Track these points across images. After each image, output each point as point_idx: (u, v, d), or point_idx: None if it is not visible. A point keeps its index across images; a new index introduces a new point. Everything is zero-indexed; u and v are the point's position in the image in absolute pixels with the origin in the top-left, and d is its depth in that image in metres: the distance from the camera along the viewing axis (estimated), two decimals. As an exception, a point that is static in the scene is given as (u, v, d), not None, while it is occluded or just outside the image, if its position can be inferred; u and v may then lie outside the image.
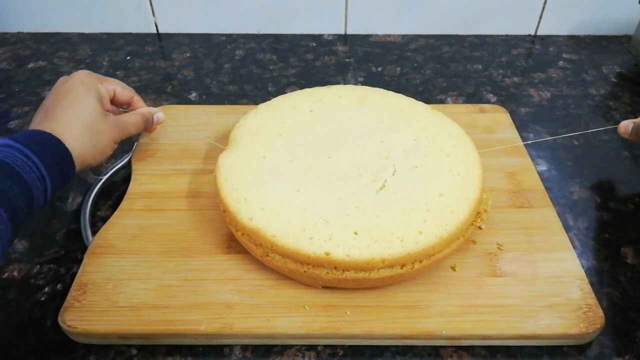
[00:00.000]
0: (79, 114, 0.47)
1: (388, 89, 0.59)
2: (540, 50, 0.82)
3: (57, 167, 0.43)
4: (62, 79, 0.50)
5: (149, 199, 0.53)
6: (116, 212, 0.51)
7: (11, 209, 0.38)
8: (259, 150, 0.50)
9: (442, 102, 0.71)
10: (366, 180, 0.47)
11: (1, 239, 0.37)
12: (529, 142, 0.61)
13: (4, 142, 0.41)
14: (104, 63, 0.80)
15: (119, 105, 0.55)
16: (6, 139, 0.41)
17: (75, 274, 0.46)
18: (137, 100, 0.56)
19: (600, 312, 0.42)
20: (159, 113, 0.57)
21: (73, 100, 0.47)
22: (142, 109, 0.56)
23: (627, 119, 0.63)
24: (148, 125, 0.56)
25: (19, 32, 0.87)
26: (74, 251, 0.50)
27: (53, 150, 0.43)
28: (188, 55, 0.81)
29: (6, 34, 0.87)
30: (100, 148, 0.48)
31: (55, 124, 0.45)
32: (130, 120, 0.53)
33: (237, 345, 0.42)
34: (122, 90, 0.54)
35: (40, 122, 0.46)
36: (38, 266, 0.49)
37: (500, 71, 0.77)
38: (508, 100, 0.71)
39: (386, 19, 0.85)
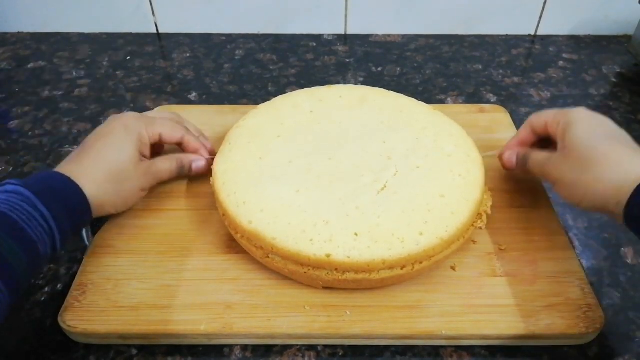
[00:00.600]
0: (109, 159, 0.45)
1: (388, 89, 0.59)
2: (540, 50, 0.82)
3: (67, 215, 0.40)
4: (112, 116, 0.48)
5: (149, 199, 0.53)
6: (116, 212, 0.51)
7: (11, 274, 0.35)
8: (255, 151, 0.50)
9: (442, 102, 0.71)
10: (367, 181, 0.47)
11: None
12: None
13: (14, 189, 0.39)
14: (104, 63, 0.80)
15: (162, 145, 0.53)
16: (17, 185, 0.39)
17: (75, 274, 0.46)
18: (189, 140, 0.52)
19: (600, 312, 0.42)
20: (200, 162, 0.52)
21: (109, 144, 0.45)
22: (181, 155, 0.52)
23: (627, 119, 0.62)
24: (183, 172, 0.52)
25: (19, 32, 0.87)
26: (74, 251, 0.50)
27: (66, 197, 0.41)
28: (188, 55, 0.81)
29: (6, 34, 0.87)
30: (124, 196, 0.47)
31: (81, 167, 0.43)
32: (165, 167, 0.50)
33: (237, 345, 0.42)
34: (170, 133, 0.51)
35: (70, 161, 0.44)
36: (38, 266, 0.49)
37: (500, 71, 0.77)
38: (508, 100, 0.71)
39: (386, 19, 0.85)
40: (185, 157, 0.52)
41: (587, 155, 0.41)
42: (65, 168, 0.43)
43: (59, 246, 0.40)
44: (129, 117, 0.48)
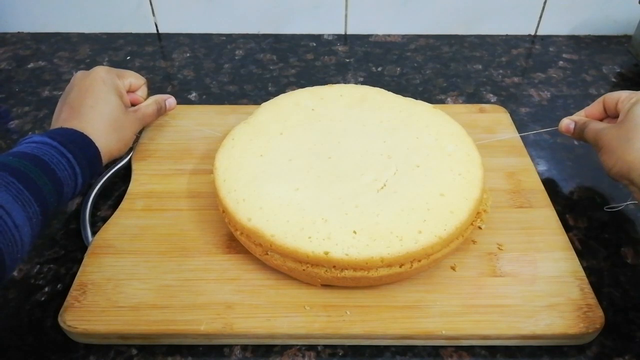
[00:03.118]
0: (104, 112, 0.50)
1: (388, 89, 0.59)
2: (540, 50, 0.82)
3: (87, 164, 0.46)
4: (80, 74, 0.53)
5: (149, 199, 0.53)
6: (116, 212, 0.51)
7: (44, 204, 0.41)
8: (256, 149, 0.50)
9: (442, 102, 0.71)
10: (367, 180, 0.47)
11: (32, 232, 0.40)
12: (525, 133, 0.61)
13: (41, 140, 0.44)
14: (104, 63, 0.79)
15: (132, 93, 0.58)
16: (44, 137, 0.44)
17: (75, 274, 0.46)
18: (144, 88, 0.59)
19: (600, 312, 0.42)
20: (170, 99, 0.60)
21: (98, 99, 0.50)
22: (156, 96, 0.59)
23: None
24: (161, 111, 0.59)
25: (19, 32, 0.87)
26: (74, 251, 0.50)
27: (85, 149, 0.46)
28: (188, 55, 0.81)
29: (6, 34, 0.87)
30: (125, 141, 0.52)
31: (85, 123, 0.48)
32: (148, 111, 0.56)
33: (237, 345, 0.42)
34: (136, 81, 0.57)
35: (68, 120, 0.49)
36: (38, 266, 0.49)
37: (500, 71, 0.77)
38: (508, 100, 0.71)
39: (386, 19, 0.85)
40: (160, 98, 0.59)
41: (636, 128, 0.46)
42: (71, 124, 0.48)
43: (78, 189, 0.46)
44: (101, 71, 0.53)
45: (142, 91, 0.58)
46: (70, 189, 0.45)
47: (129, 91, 0.56)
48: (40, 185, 0.41)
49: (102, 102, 0.50)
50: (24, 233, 0.39)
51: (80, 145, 0.46)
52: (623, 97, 0.51)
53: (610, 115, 0.53)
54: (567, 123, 0.55)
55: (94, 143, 0.47)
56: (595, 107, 0.54)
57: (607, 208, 0.53)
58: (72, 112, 0.49)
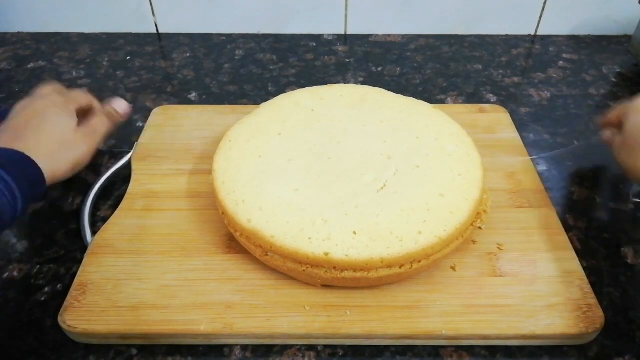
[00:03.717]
0: (51, 132, 0.48)
1: (388, 89, 0.59)
2: (540, 50, 0.82)
3: (28, 185, 0.43)
4: (23, 101, 0.50)
5: (149, 199, 0.53)
6: (116, 212, 0.51)
7: None
8: (255, 150, 0.50)
9: (442, 102, 0.71)
10: (367, 180, 0.47)
11: None
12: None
13: None
14: (104, 63, 0.80)
15: (82, 111, 0.54)
16: None
17: (75, 274, 0.46)
18: (93, 100, 0.55)
19: (600, 312, 0.42)
20: (119, 102, 0.56)
21: (45, 120, 0.48)
22: (102, 107, 0.55)
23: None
24: (115, 119, 0.55)
25: (19, 32, 0.87)
26: (74, 251, 0.50)
27: (26, 169, 0.44)
28: (188, 55, 0.81)
29: (6, 34, 0.87)
30: (75, 161, 0.49)
31: (28, 143, 0.46)
32: (99, 123, 0.53)
33: (237, 345, 0.42)
34: (82, 97, 0.54)
35: (11, 142, 0.46)
36: (38, 266, 0.49)
37: (500, 71, 0.77)
38: (508, 100, 0.71)
39: (386, 19, 0.85)
40: (105, 106, 0.55)
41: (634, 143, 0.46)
42: (13, 145, 0.45)
43: (18, 214, 0.43)
44: (50, 95, 0.51)
45: (95, 102, 0.55)
46: (8, 217, 0.41)
47: (81, 109, 0.53)
48: None
49: (50, 123, 0.48)
50: None
51: (21, 165, 0.43)
52: (620, 108, 0.51)
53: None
54: (608, 135, 0.53)
55: (35, 163, 0.44)
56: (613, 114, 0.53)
57: (633, 198, 0.53)
58: (15, 135, 0.47)
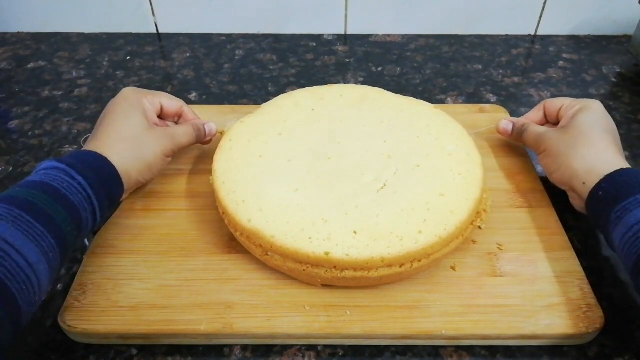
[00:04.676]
0: (120, 128, 0.47)
1: (388, 89, 0.59)
2: (540, 50, 0.82)
3: (102, 185, 0.43)
4: (111, 100, 0.50)
5: (148, 199, 0.53)
6: (116, 212, 0.51)
7: (60, 235, 0.38)
8: (255, 150, 0.50)
9: (442, 102, 0.71)
10: (367, 180, 0.47)
11: (50, 268, 0.37)
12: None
13: (50, 165, 0.41)
14: (104, 63, 0.80)
15: (168, 118, 0.55)
16: (52, 161, 0.41)
17: (75, 274, 0.46)
18: (187, 111, 0.55)
19: (600, 312, 0.42)
20: (211, 124, 0.56)
21: (116, 117, 0.48)
22: (195, 120, 0.55)
23: (627, 119, 0.62)
24: (200, 136, 0.54)
25: (19, 32, 0.87)
26: (74, 251, 0.50)
27: (98, 168, 0.43)
28: (188, 55, 0.81)
29: (6, 34, 0.87)
30: (147, 162, 0.48)
31: (100, 142, 0.46)
32: (180, 131, 0.52)
33: (237, 345, 0.42)
34: (169, 102, 0.53)
35: (89, 143, 0.47)
36: (38, 266, 0.48)
37: (500, 71, 0.77)
38: (508, 100, 0.71)
39: (386, 19, 0.85)
40: (199, 122, 0.55)
41: (582, 135, 0.47)
42: (88, 146, 0.46)
43: (98, 214, 0.43)
44: (127, 91, 0.51)
45: (188, 115, 0.55)
46: (88, 214, 0.41)
47: (164, 114, 0.54)
48: (52, 215, 0.37)
49: (120, 119, 0.47)
50: (40, 271, 0.35)
51: (93, 165, 0.43)
52: (567, 103, 0.52)
53: (551, 121, 0.55)
54: (505, 124, 0.56)
55: (108, 161, 0.44)
56: (535, 113, 0.56)
57: None
58: (94, 136, 0.47)
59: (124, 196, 0.48)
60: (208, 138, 0.56)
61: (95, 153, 0.44)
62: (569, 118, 0.50)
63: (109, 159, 0.44)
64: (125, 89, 0.51)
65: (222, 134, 0.55)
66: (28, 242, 0.35)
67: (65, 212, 0.38)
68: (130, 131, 0.47)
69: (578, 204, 0.47)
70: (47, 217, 0.37)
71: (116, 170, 0.44)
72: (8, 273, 0.33)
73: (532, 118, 0.56)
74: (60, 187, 0.39)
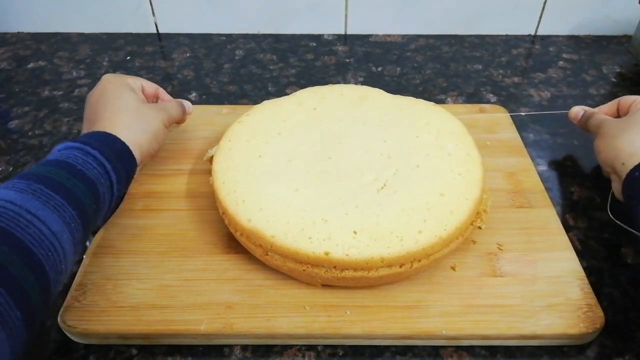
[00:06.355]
0: (120, 105, 0.48)
1: (388, 89, 0.59)
2: (540, 50, 0.82)
3: (118, 159, 0.44)
4: (89, 93, 0.51)
5: (148, 199, 0.53)
6: (116, 212, 0.51)
7: (80, 207, 0.38)
8: (255, 149, 0.50)
9: (442, 102, 0.71)
10: (367, 180, 0.47)
11: (73, 238, 0.37)
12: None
13: (64, 146, 0.42)
14: (104, 63, 0.80)
15: (148, 99, 0.56)
16: (65, 142, 0.42)
17: (75, 274, 0.46)
18: (163, 92, 0.57)
19: (600, 312, 0.42)
20: (188, 102, 0.58)
21: (110, 98, 0.49)
22: (171, 99, 0.57)
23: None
24: (184, 112, 0.57)
25: (19, 32, 0.87)
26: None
27: (111, 144, 0.44)
28: (188, 55, 0.81)
29: (6, 34, 0.87)
30: (153, 131, 0.49)
31: (105, 122, 0.46)
32: (172, 105, 0.54)
33: (237, 345, 0.42)
34: (147, 83, 0.55)
35: (90, 127, 0.47)
36: (38, 266, 0.48)
37: (500, 71, 0.77)
38: (508, 100, 0.71)
39: (386, 19, 0.85)
40: (180, 100, 0.57)
41: (635, 123, 0.49)
42: (92, 129, 0.46)
43: (115, 188, 0.43)
44: (107, 77, 0.52)
45: (164, 96, 0.57)
46: (106, 189, 0.42)
47: (145, 94, 0.55)
48: (70, 188, 0.38)
49: (114, 99, 0.48)
50: (64, 240, 0.36)
51: (105, 141, 0.44)
52: (639, 100, 0.53)
53: (622, 115, 0.55)
54: (577, 110, 0.58)
55: (119, 137, 0.45)
56: (609, 107, 0.57)
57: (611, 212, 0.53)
58: (91, 123, 0.48)
59: (137, 170, 0.48)
60: (188, 115, 0.58)
61: (105, 132, 0.45)
62: (634, 109, 0.52)
63: (118, 135, 0.45)
64: (105, 75, 0.52)
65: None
66: (49, 212, 0.36)
67: (83, 185, 0.39)
68: (130, 105, 0.49)
69: (618, 187, 0.48)
70: (66, 190, 0.38)
71: (127, 146, 0.45)
72: (33, 240, 0.34)
73: (604, 110, 0.57)
74: (75, 163, 0.40)
